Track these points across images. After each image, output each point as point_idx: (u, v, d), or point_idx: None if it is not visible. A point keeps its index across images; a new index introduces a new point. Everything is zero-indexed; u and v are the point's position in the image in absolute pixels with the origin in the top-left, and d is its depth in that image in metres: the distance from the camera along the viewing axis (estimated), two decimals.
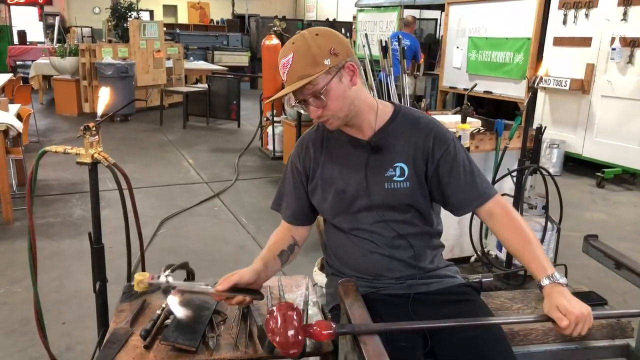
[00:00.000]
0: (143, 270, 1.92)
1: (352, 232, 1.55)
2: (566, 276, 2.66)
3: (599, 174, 5.62)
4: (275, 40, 6.60)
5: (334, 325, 1.24)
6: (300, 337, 1.22)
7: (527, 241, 1.43)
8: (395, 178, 1.50)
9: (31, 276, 1.87)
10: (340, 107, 1.44)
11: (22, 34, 13.43)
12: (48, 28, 15.24)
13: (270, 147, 6.53)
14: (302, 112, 1.48)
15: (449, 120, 3.27)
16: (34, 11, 16.66)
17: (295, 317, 1.23)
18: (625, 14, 5.48)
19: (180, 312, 1.37)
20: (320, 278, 2.23)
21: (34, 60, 10.34)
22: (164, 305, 1.56)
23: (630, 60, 5.47)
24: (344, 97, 1.44)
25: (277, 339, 1.22)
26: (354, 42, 9.93)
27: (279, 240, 1.62)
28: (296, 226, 1.65)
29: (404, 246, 1.53)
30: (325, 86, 1.40)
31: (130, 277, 1.91)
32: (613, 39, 5.56)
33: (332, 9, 16.21)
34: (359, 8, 11.21)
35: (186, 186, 5.25)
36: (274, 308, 1.26)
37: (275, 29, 6.77)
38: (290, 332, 1.21)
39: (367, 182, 1.51)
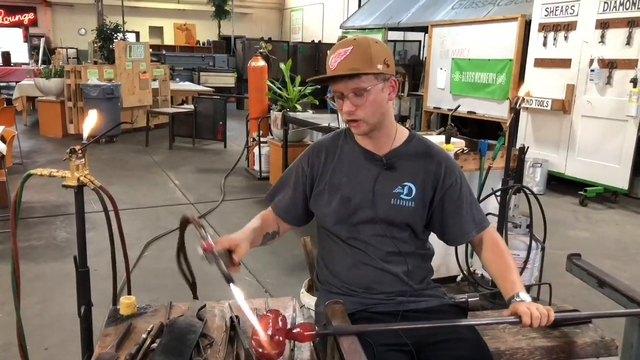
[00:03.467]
0: (129, 293, 1.90)
1: (349, 242, 1.58)
2: (551, 295, 2.68)
3: (581, 192, 5.71)
4: (261, 62, 6.66)
5: (316, 328, 1.26)
6: (280, 339, 1.23)
7: (506, 266, 1.54)
8: (402, 196, 1.56)
9: (14, 300, 1.83)
10: (373, 113, 1.50)
11: (6, 55, 13.36)
12: (33, 49, 15.19)
13: (256, 167, 6.54)
14: (333, 105, 1.53)
15: (434, 140, 3.31)
16: (18, 32, 16.66)
17: (279, 323, 1.24)
18: (602, 36, 5.63)
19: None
20: (308, 300, 2.22)
21: (18, 82, 10.28)
22: (149, 329, 1.55)
23: (609, 81, 5.61)
24: (380, 105, 1.50)
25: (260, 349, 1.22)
26: None
27: (267, 222, 1.66)
28: (282, 221, 1.68)
29: (398, 262, 1.56)
30: (370, 87, 1.46)
31: (115, 301, 1.88)
32: (592, 61, 5.71)
33: (317, 31, 16.40)
34: (344, 30, 11.37)
35: (172, 207, 5.22)
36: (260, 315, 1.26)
37: (261, 50, 6.84)
38: (275, 337, 1.22)
39: (374, 195, 1.55)
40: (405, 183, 1.56)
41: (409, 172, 1.57)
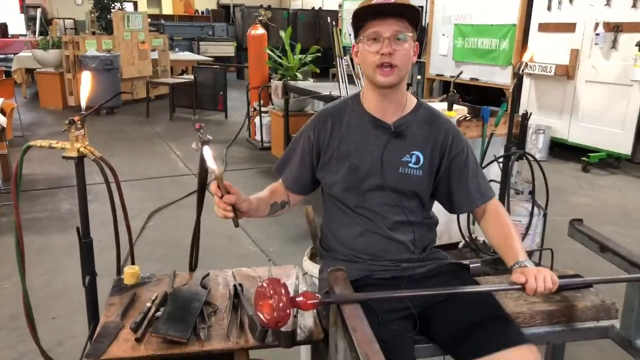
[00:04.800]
0: (132, 263, 1.92)
1: (356, 210, 1.57)
2: (552, 260, 2.69)
3: (584, 158, 5.69)
4: (260, 30, 6.56)
5: (319, 296, 1.28)
6: (286, 304, 1.24)
7: (508, 234, 1.52)
8: (410, 164, 1.55)
9: (19, 272, 1.85)
10: (406, 64, 1.50)
11: (3, 27, 13.19)
12: (30, 20, 14.98)
13: (258, 137, 6.52)
14: (353, 54, 1.51)
15: (436, 107, 3.28)
16: (14, 3, 16.37)
17: (283, 291, 1.25)
18: None
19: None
20: (311, 267, 2.24)
21: (16, 54, 10.18)
22: (153, 298, 1.57)
23: (614, 45, 5.52)
24: (410, 61, 1.51)
25: (265, 305, 1.23)
26: (340, 30, 9.89)
27: (276, 193, 1.64)
28: (291, 192, 1.67)
29: (405, 230, 1.57)
30: (409, 38, 1.48)
31: (119, 271, 1.90)
32: (597, 25, 5.61)
33: None
34: None
35: (174, 178, 5.23)
36: (263, 283, 1.27)
37: (260, 18, 6.73)
38: (278, 303, 1.23)
39: (382, 163, 1.54)
40: (414, 152, 1.55)
41: (417, 140, 1.56)
